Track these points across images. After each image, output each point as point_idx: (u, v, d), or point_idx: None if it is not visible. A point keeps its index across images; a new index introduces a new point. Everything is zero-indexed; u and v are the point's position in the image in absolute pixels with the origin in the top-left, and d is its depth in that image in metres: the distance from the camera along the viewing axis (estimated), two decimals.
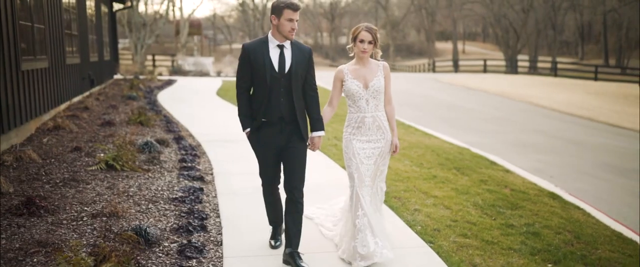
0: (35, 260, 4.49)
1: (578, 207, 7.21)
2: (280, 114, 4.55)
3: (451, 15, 68.40)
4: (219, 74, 29.87)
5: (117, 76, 25.00)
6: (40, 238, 4.90)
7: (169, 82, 23.47)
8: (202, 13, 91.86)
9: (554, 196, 7.63)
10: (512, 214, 6.48)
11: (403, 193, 7.02)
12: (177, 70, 30.07)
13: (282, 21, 4.41)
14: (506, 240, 5.57)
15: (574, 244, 5.69)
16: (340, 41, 78.29)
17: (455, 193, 7.24)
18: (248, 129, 4.65)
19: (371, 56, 4.84)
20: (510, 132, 15.04)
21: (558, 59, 56.77)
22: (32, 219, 5.37)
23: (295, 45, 4.58)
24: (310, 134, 4.74)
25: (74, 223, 5.38)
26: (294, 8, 4.38)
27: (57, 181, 6.72)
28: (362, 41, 4.70)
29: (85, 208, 5.81)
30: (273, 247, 5.00)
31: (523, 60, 51.31)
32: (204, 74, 29.29)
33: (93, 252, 4.20)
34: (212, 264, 4.70)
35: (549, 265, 5.08)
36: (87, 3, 17.21)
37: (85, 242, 4.83)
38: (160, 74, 27.45)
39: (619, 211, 8.08)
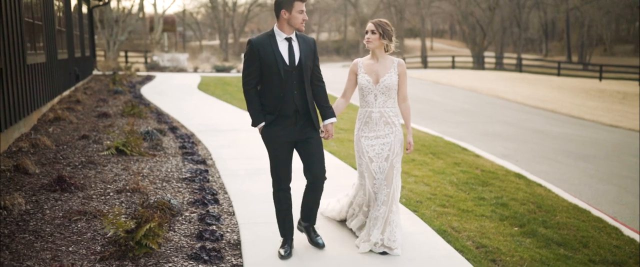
0: (79, 225, 5.22)
1: (540, 185, 8.15)
2: (295, 107, 4.57)
3: (419, 13, 69.69)
4: (195, 69, 30.38)
5: (96, 72, 25.39)
6: (78, 208, 5.61)
7: (148, 78, 23.95)
8: (171, 9, 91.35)
9: (519, 176, 8.56)
10: (483, 190, 7.38)
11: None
12: (154, 66, 30.48)
13: (294, 14, 4.44)
14: (479, 209, 6.46)
15: (536, 212, 6.60)
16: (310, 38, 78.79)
17: (433, 173, 8.11)
18: (262, 124, 4.63)
19: (385, 51, 4.85)
20: (478, 123, 16.04)
21: (523, 56, 58.48)
22: (65, 194, 6.07)
23: (300, 37, 4.61)
24: (322, 123, 4.76)
25: (103, 197, 6.10)
26: None
27: (77, 164, 7.41)
28: (366, 32, 4.80)
29: (109, 186, 6.53)
30: (282, 257, 4.76)
31: (489, 57, 52.73)
32: (181, 69, 29.76)
33: (134, 216, 4.93)
34: (230, 229, 5.46)
35: (515, 228, 5.97)
36: None
37: (116, 212, 5.55)
38: (137, 70, 27.88)
39: (577, 189, 9.05)
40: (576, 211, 6.90)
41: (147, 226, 4.68)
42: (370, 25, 4.78)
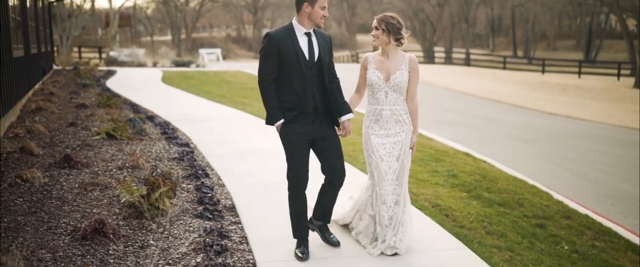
0: (95, 194, 6.05)
1: (485, 161, 9.32)
2: (315, 104, 4.48)
3: (371, 9, 71.18)
4: (155, 64, 30.84)
5: (56, 67, 25.64)
6: (89, 181, 6.43)
7: (110, 72, 24.36)
8: (122, 3, 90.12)
9: (467, 154, 9.71)
10: (437, 165, 8.48)
11: (352, 152, 8.87)
12: (112, 61, 30.77)
13: (316, 9, 4.39)
14: (433, 179, 7.54)
15: (481, 181, 7.72)
16: (263, 33, 79.15)
17: None
18: (281, 121, 4.49)
19: (386, 44, 4.66)
20: (431, 113, 17.26)
21: (471, 50, 60.57)
22: (74, 171, 6.87)
23: (317, 33, 4.56)
24: (340, 119, 4.65)
25: (108, 173, 6.92)
26: None
27: (74, 146, 8.18)
28: (372, 29, 4.71)
29: (110, 164, 7.34)
30: (302, 259, 4.60)
31: (439, 52, 54.71)
32: (140, 64, 30.18)
33: (146, 183, 5.79)
34: (223, 197, 6.36)
35: (464, 193, 7.07)
36: None
37: (129, 182, 6.38)
38: (97, 65, 28.19)
39: (517, 165, 10.27)
40: (515, 180, 8.07)
41: (160, 191, 5.56)
42: (374, 22, 4.66)
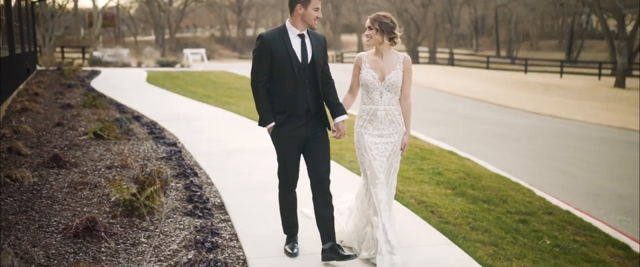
0: (84, 193, 6.10)
1: (469, 159, 9.49)
2: (307, 106, 4.45)
3: (356, 9, 71.42)
4: (139, 64, 30.75)
5: (39, 67, 25.48)
6: (79, 180, 6.47)
7: (95, 73, 24.25)
8: (105, 3, 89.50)
9: (452, 153, 9.87)
10: (422, 163, 8.61)
11: (339, 151, 8.98)
12: (96, 62, 30.62)
13: (309, 10, 4.35)
14: (419, 177, 7.67)
15: (466, 178, 7.86)
16: (247, 34, 79.23)
17: None
18: (272, 124, 4.49)
19: (379, 44, 4.61)
20: (416, 111, 17.37)
21: (455, 50, 60.96)
22: (63, 170, 6.91)
23: (311, 34, 4.51)
24: (333, 121, 4.62)
25: (97, 172, 6.97)
26: None
27: (62, 146, 8.21)
28: (365, 29, 4.66)
29: (98, 163, 7.38)
30: (291, 254, 4.69)
31: (423, 51, 55.00)
32: (124, 64, 30.07)
33: (136, 181, 5.86)
34: (212, 195, 6.44)
35: (449, 190, 7.20)
36: None
37: (119, 180, 6.44)
38: (81, 66, 28.05)
39: (500, 163, 10.45)
40: (498, 178, 8.23)
41: (151, 189, 5.63)
42: (367, 22, 4.63)
